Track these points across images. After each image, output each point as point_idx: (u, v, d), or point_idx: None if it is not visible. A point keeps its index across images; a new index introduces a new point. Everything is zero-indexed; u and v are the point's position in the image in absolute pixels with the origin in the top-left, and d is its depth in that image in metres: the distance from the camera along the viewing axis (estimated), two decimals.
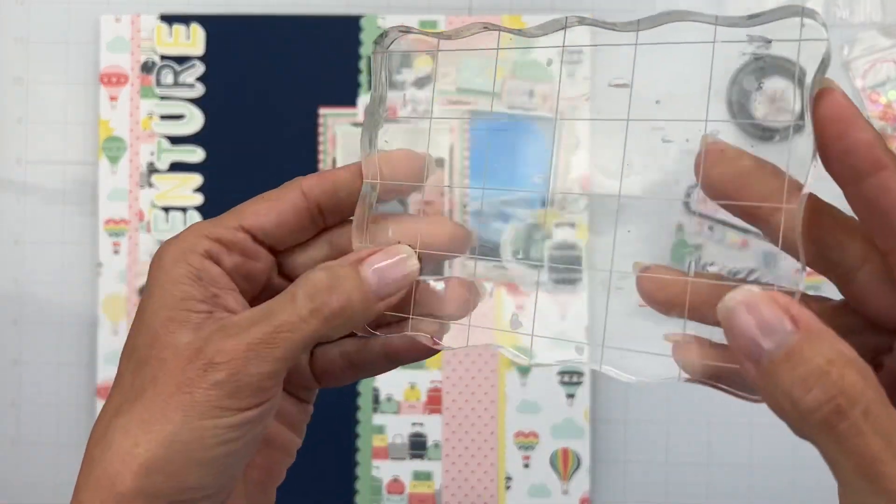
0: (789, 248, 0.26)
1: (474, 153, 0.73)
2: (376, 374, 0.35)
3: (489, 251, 0.35)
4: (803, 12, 0.25)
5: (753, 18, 0.26)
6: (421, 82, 0.67)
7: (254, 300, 0.33)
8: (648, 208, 0.31)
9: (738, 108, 0.57)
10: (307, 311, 0.30)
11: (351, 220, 0.34)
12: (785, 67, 0.24)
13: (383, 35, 0.33)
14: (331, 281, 0.30)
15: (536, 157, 0.33)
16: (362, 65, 0.76)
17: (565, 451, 0.74)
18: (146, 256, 0.76)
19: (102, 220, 0.77)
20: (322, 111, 0.76)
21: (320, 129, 0.76)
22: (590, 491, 0.74)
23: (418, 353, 0.33)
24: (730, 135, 0.28)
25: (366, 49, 0.77)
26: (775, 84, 0.52)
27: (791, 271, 0.26)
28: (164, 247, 0.32)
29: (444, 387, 0.75)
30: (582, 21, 0.29)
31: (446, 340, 0.33)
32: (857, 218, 0.26)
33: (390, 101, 0.33)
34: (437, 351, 0.33)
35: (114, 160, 0.77)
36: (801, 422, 0.23)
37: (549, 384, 0.75)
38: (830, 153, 0.25)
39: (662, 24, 0.27)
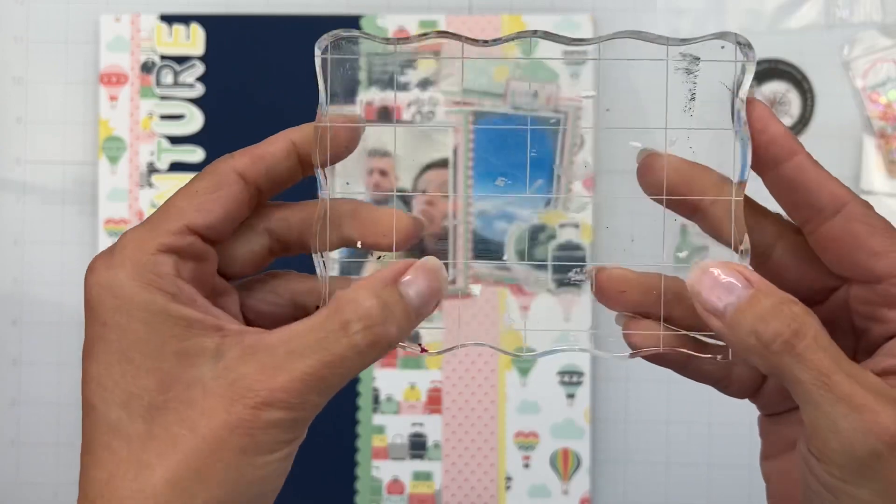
0: (736, 233, 0.31)
1: (477, 153, 0.73)
2: None
3: (493, 252, 0.35)
4: (736, 38, 0.30)
5: (686, 41, 0.31)
6: (425, 83, 0.67)
7: None
8: (653, 210, 0.32)
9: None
10: (366, 345, 0.28)
11: (283, 203, 0.33)
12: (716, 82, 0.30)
13: (328, 40, 0.33)
14: (383, 310, 0.29)
15: (538, 155, 0.33)
16: (361, 63, 0.76)
17: (565, 451, 0.74)
18: None
19: (102, 220, 0.77)
20: None
21: None
22: (590, 491, 0.74)
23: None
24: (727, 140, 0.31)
25: (365, 49, 0.76)
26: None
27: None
28: (110, 272, 0.29)
29: (444, 387, 0.75)
30: (545, 36, 0.31)
31: (434, 345, 0.32)
32: (767, 209, 0.32)
33: (397, 102, 0.33)
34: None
35: (114, 160, 0.77)
36: (766, 351, 0.27)
37: (549, 384, 0.75)
38: (756, 144, 0.30)
39: (621, 39, 0.31)
